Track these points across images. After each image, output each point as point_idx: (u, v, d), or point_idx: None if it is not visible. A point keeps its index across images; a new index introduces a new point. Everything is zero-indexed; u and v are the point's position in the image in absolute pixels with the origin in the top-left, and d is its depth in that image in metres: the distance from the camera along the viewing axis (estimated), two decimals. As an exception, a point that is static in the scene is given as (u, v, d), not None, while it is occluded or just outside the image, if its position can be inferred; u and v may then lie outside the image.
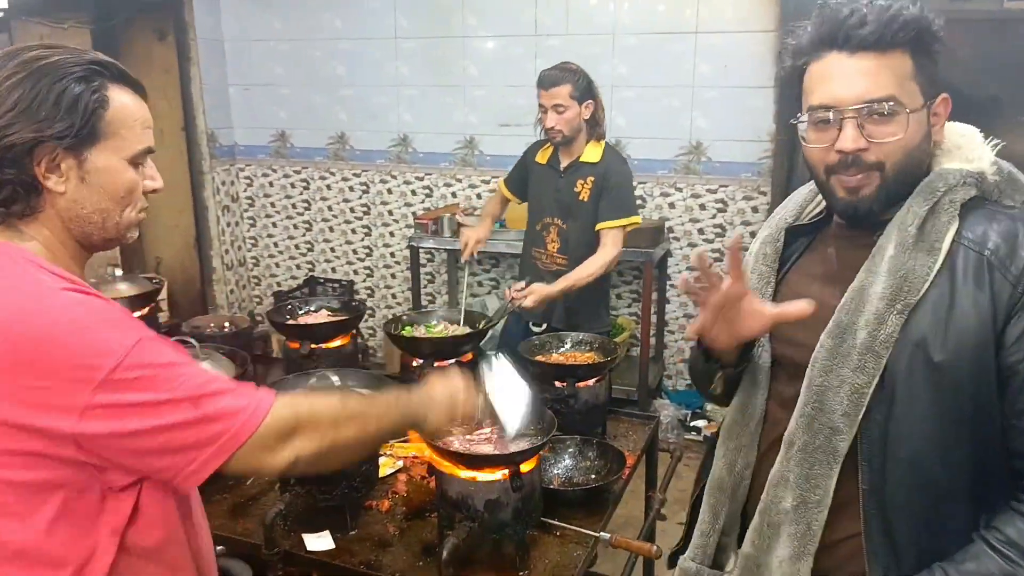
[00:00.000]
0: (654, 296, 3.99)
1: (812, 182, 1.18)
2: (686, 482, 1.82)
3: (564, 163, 2.83)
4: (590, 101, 2.73)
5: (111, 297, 2.50)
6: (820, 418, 1.07)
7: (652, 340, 3.97)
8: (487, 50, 4.16)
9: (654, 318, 4.03)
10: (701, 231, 4.00)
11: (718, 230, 3.97)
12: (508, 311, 2.55)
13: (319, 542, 1.68)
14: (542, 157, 2.92)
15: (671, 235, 4.04)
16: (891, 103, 1.02)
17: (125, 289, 2.64)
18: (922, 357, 1.00)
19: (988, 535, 1.00)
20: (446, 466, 1.58)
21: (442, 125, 4.35)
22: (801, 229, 1.23)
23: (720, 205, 3.94)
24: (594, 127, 2.78)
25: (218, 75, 4.68)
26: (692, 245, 4.02)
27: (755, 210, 3.88)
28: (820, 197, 1.19)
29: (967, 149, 1.10)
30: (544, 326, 2.82)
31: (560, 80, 2.67)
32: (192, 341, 1.94)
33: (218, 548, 2.40)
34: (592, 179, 2.76)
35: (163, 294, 4.04)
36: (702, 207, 3.98)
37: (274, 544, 1.63)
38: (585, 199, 2.78)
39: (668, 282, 4.10)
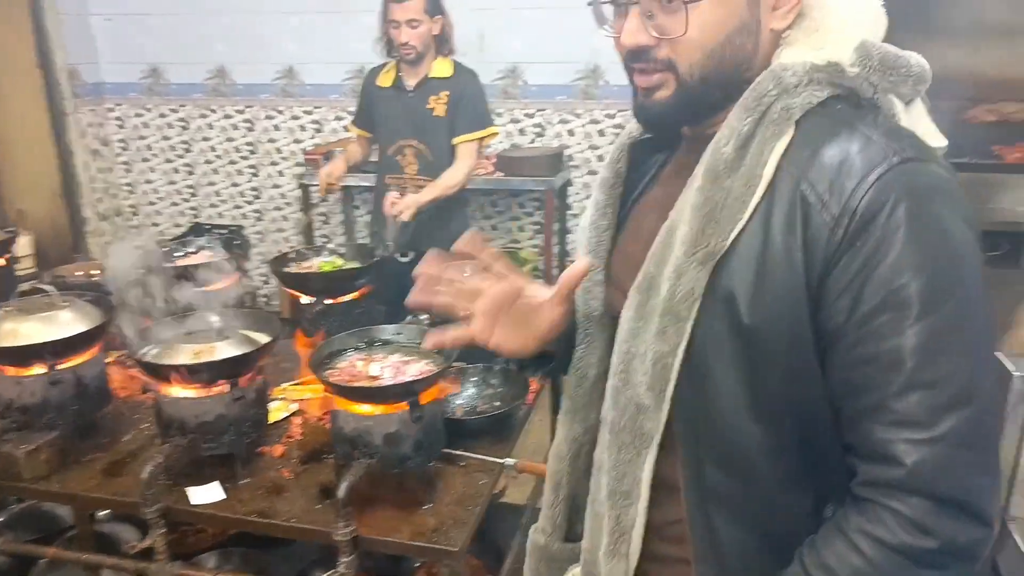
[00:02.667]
0: (555, 227, 3.94)
1: None
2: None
3: (411, 82, 2.76)
4: (439, 16, 2.69)
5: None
6: (626, 392, 0.86)
7: (555, 272, 3.93)
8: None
9: (556, 248, 3.98)
10: (600, 158, 3.95)
11: (618, 157, 3.94)
12: (397, 230, 2.55)
13: (206, 494, 1.56)
14: (385, 80, 2.82)
15: (571, 163, 3.97)
16: None
17: (-28, 239, 2.37)
18: (730, 320, 0.77)
19: (806, 556, 0.79)
20: (340, 402, 1.48)
21: (331, 55, 4.09)
22: (652, 144, 0.97)
23: (618, 130, 3.87)
24: (443, 43, 2.74)
25: (77, 2, 4.22)
26: (592, 173, 3.97)
27: (654, 135, 3.85)
28: None
29: (822, 30, 0.81)
30: (411, 255, 2.71)
31: None
32: (48, 288, 1.74)
33: (101, 513, 2.26)
34: (447, 94, 2.72)
35: (27, 248, 3.70)
36: (600, 133, 3.92)
37: (155, 500, 1.50)
38: (441, 115, 2.74)
39: (569, 211, 4.05)
